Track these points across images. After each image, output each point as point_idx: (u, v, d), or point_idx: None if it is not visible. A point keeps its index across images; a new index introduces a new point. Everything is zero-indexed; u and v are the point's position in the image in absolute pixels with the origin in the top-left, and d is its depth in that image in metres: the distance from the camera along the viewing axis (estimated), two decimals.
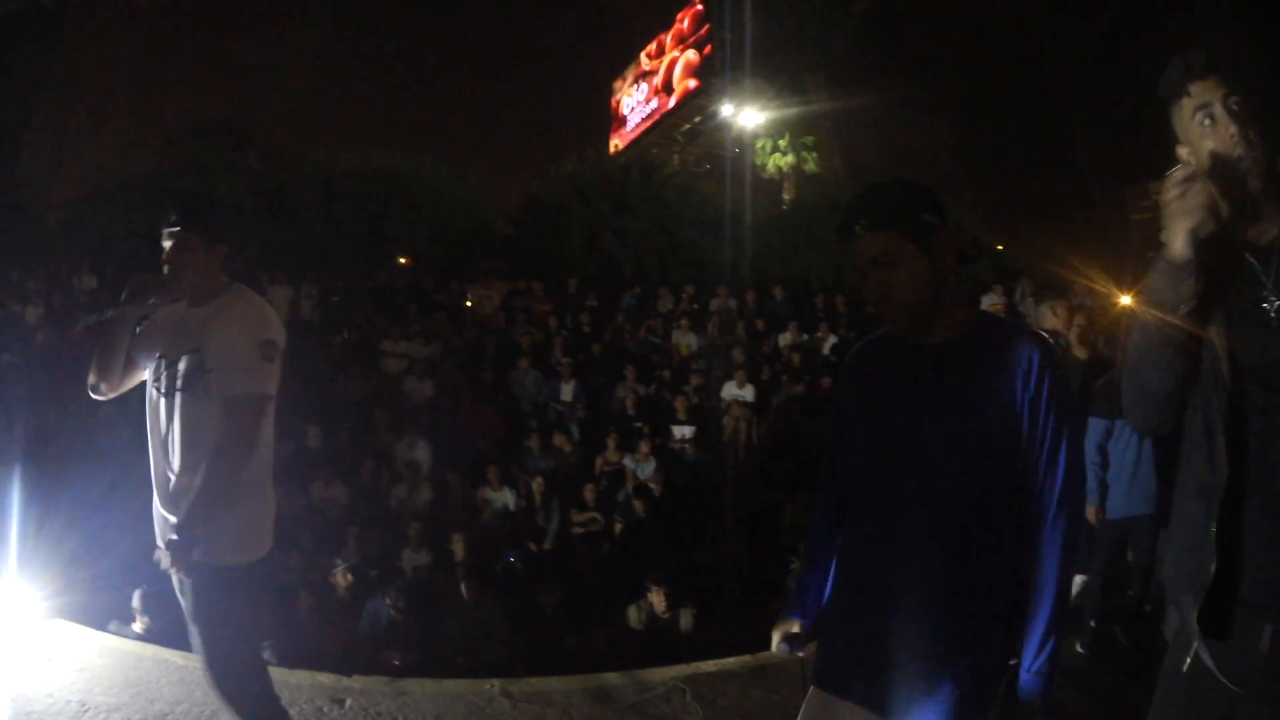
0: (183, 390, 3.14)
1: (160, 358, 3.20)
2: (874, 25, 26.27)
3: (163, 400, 3.17)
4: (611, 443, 10.28)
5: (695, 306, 15.01)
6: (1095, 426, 5.68)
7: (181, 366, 3.15)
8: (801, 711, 2.41)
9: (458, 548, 8.19)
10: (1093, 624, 5.81)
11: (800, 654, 2.49)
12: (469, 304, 15.35)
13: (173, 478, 3.16)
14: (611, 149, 29.38)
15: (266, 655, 6.10)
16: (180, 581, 3.16)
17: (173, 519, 3.09)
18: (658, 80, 29.37)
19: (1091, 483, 5.58)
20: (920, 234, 2.18)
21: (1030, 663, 2.16)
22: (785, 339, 13.53)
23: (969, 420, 2.15)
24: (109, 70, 24.88)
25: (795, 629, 2.49)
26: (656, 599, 7.20)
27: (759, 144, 25.68)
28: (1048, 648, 2.14)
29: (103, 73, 24.75)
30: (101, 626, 6.07)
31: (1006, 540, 2.17)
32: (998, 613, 2.19)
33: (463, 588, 7.43)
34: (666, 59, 29.19)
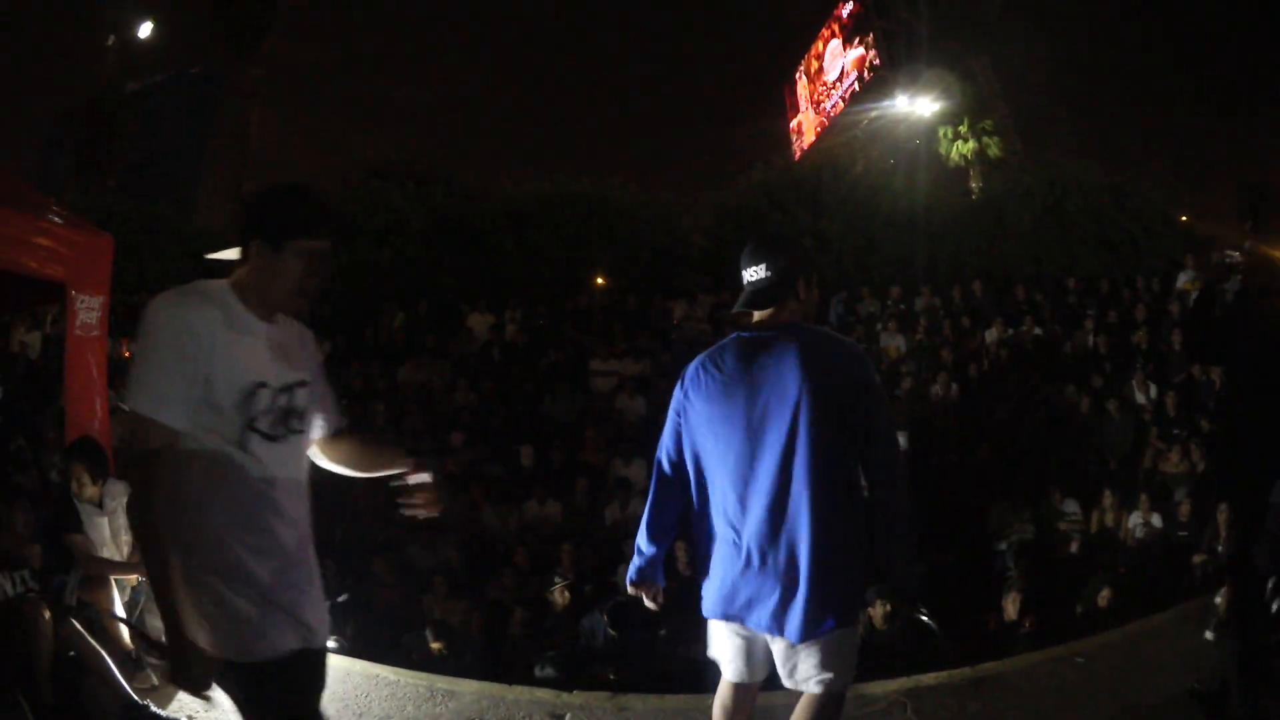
0: (299, 431, 2.71)
1: (259, 388, 2.59)
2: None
3: (265, 445, 2.59)
4: None
5: (902, 307, 14.71)
6: None
7: (291, 401, 2.66)
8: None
9: (680, 558, 8.19)
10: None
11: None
12: (675, 320, 15.42)
13: (295, 541, 2.68)
14: (796, 153, 29.07)
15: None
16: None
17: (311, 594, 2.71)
18: (828, 79, 28.93)
19: None
20: None
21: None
22: (991, 335, 13.08)
23: None
24: (275, 124, 26.50)
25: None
26: (876, 612, 7.02)
27: (941, 131, 24.91)
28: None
29: (270, 126, 26.31)
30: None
31: None
32: None
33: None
34: (831, 56, 28.72)
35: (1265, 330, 4.48)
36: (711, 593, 3.14)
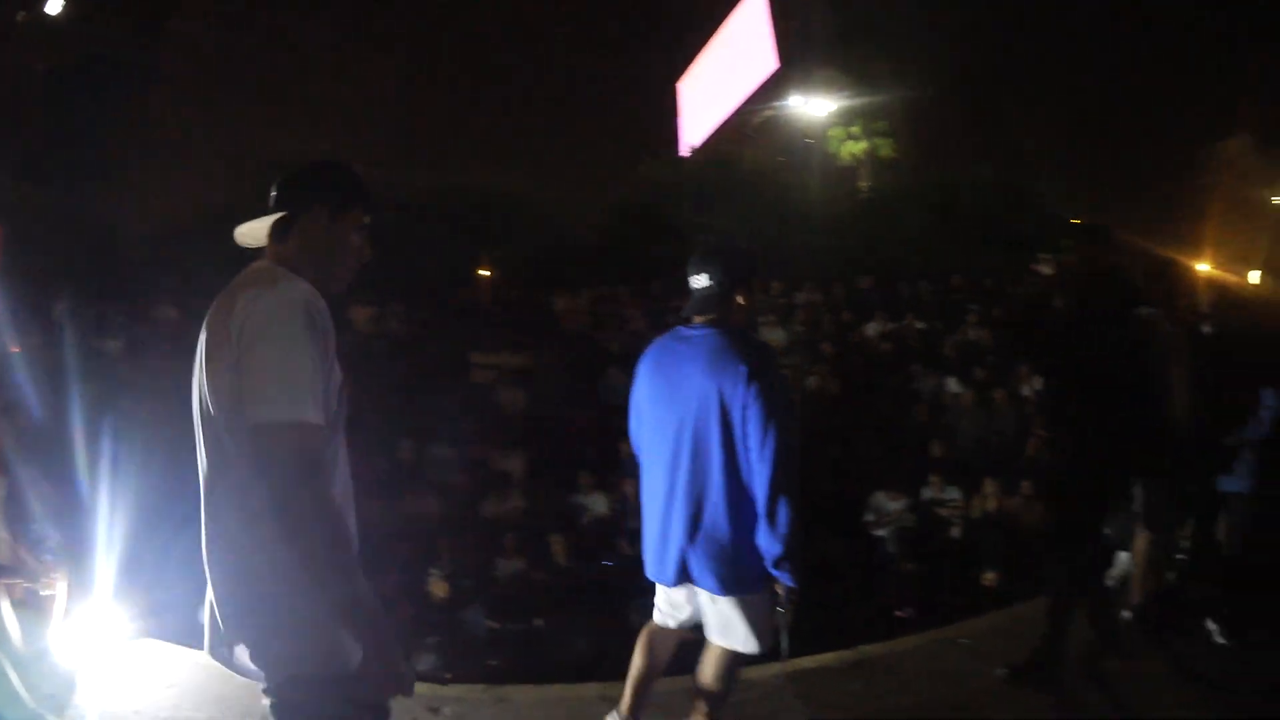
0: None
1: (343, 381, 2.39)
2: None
3: (339, 436, 2.43)
4: None
5: (781, 300, 14.83)
6: None
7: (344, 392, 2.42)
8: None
9: (557, 551, 8.13)
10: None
11: None
12: (557, 312, 15.29)
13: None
14: (686, 149, 29.20)
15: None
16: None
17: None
18: (723, 75, 29.05)
19: None
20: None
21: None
22: (873, 328, 13.30)
23: None
24: (180, 112, 25.45)
25: None
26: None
27: (831, 132, 25.26)
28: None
29: (175, 115, 25.33)
30: (197, 647, 6.04)
31: None
32: None
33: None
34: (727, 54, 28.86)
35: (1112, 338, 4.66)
36: (644, 554, 3.75)
